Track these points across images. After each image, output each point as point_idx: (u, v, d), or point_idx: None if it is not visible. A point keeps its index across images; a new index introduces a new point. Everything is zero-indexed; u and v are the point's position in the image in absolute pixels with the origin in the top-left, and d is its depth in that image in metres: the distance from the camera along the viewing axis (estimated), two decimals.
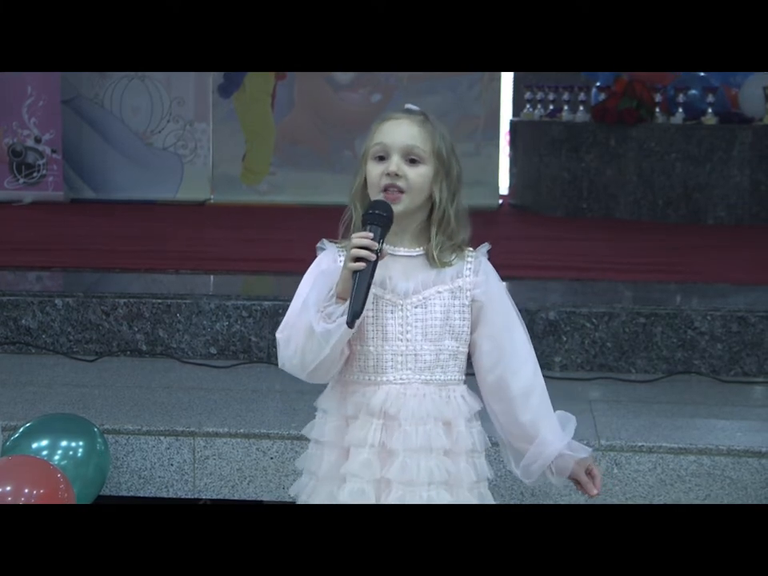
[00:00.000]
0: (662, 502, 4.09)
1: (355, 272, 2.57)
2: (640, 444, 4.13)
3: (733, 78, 9.25)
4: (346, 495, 2.67)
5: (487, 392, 2.79)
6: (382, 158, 2.70)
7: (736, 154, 8.50)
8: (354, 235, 2.62)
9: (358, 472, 2.67)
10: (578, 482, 2.81)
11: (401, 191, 2.67)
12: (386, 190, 2.68)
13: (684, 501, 4.09)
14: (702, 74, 9.13)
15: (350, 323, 2.55)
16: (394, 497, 2.66)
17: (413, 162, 2.69)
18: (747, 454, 4.09)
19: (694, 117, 8.81)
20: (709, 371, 5.14)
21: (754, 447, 4.11)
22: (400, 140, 2.69)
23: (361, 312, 2.55)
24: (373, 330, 2.69)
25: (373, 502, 2.66)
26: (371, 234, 2.59)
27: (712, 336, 5.15)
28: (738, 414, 4.61)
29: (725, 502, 4.07)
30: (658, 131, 8.69)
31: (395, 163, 2.67)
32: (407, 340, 2.70)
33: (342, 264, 2.68)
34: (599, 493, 2.80)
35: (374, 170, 2.70)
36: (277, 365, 5.25)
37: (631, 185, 8.70)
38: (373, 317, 2.67)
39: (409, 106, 2.78)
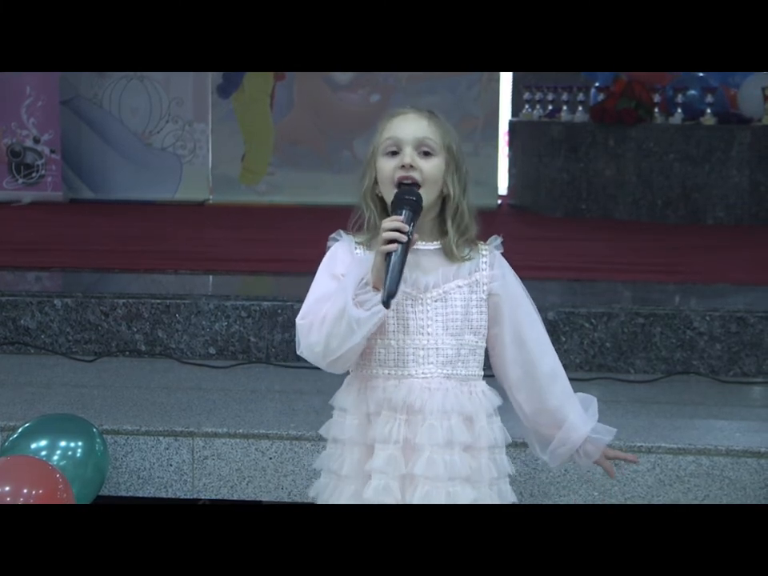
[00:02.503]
0: (660, 503, 4.09)
1: (388, 255, 2.57)
2: (639, 444, 4.13)
3: (732, 78, 9.25)
4: (371, 492, 2.67)
5: (513, 384, 2.81)
6: (394, 153, 2.70)
7: (735, 154, 8.50)
8: (385, 220, 2.62)
9: (383, 468, 2.67)
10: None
11: (416, 184, 2.67)
12: (400, 184, 2.68)
13: (683, 501, 4.09)
14: (700, 74, 9.14)
15: (386, 303, 2.55)
16: (420, 492, 2.66)
17: (426, 154, 2.70)
18: (746, 455, 4.09)
19: (693, 117, 8.81)
20: (708, 371, 5.14)
21: (753, 447, 4.10)
22: (412, 132, 2.69)
23: (395, 293, 2.55)
24: (394, 324, 2.69)
25: (399, 497, 2.66)
26: (401, 217, 2.60)
27: (711, 336, 5.15)
28: (737, 415, 4.61)
29: (724, 503, 4.07)
30: (657, 131, 8.69)
31: (409, 155, 2.68)
32: (428, 334, 2.71)
33: (359, 255, 2.70)
34: (636, 460, 3.03)
35: (387, 165, 2.70)
36: (275, 365, 5.26)
37: (630, 185, 8.71)
38: (393, 310, 2.66)
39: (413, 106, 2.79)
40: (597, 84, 9.38)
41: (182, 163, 9.94)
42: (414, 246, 2.68)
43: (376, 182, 2.74)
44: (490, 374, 2.83)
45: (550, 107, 9.68)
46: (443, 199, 2.74)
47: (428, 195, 2.69)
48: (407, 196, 2.64)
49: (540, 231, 8.24)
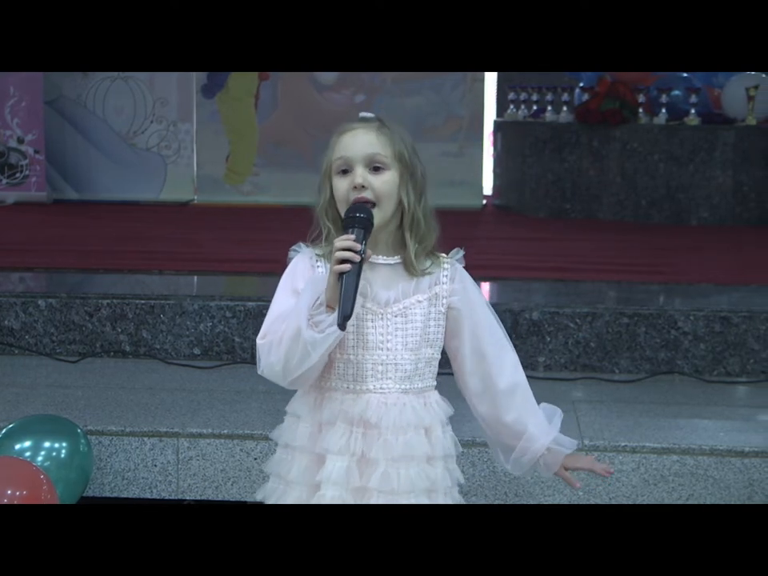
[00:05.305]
0: (645, 502, 4.10)
1: (341, 275, 2.54)
2: (623, 444, 4.14)
3: (715, 78, 9.28)
4: (327, 504, 2.64)
5: (472, 395, 2.80)
6: (345, 171, 2.68)
7: (718, 154, 8.52)
8: (336, 239, 2.59)
9: (336, 480, 2.65)
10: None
11: (371, 204, 2.65)
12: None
13: (667, 501, 4.10)
14: (684, 74, 9.16)
15: (341, 326, 2.53)
16: None
17: (376, 169, 2.67)
18: (730, 454, 4.10)
19: (677, 117, 8.83)
20: (692, 371, 5.15)
21: (737, 447, 4.12)
22: (360, 150, 2.67)
23: (351, 314, 2.53)
24: (353, 339, 2.67)
25: None
26: (353, 236, 2.57)
27: (695, 336, 5.16)
28: (721, 414, 4.62)
29: (708, 502, 4.08)
30: (641, 132, 8.71)
31: (359, 174, 2.65)
32: (388, 349, 2.69)
33: (320, 270, 2.68)
34: (606, 473, 2.87)
35: (341, 185, 2.68)
36: None
37: (614, 185, 8.72)
38: (354, 325, 2.63)
39: (363, 114, 2.76)
40: (581, 84, 9.39)
41: (167, 163, 9.92)
42: (374, 261, 2.67)
43: (333, 198, 2.71)
44: (444, 372, 2.81)
45: (535, 107, 9.68)
46: (402, 211, 2.70)
47: (384, 211, 2.66)
48: (357, 214, 2.61)
49: (524, 231, 8.24)
